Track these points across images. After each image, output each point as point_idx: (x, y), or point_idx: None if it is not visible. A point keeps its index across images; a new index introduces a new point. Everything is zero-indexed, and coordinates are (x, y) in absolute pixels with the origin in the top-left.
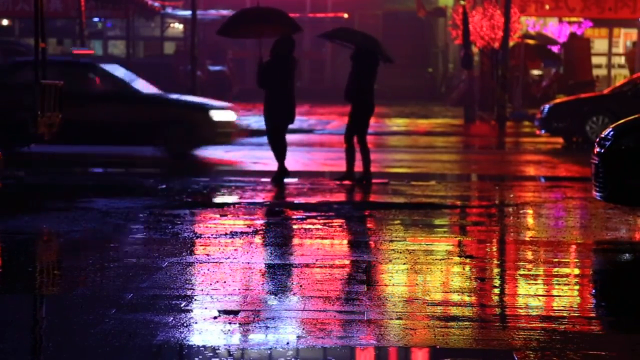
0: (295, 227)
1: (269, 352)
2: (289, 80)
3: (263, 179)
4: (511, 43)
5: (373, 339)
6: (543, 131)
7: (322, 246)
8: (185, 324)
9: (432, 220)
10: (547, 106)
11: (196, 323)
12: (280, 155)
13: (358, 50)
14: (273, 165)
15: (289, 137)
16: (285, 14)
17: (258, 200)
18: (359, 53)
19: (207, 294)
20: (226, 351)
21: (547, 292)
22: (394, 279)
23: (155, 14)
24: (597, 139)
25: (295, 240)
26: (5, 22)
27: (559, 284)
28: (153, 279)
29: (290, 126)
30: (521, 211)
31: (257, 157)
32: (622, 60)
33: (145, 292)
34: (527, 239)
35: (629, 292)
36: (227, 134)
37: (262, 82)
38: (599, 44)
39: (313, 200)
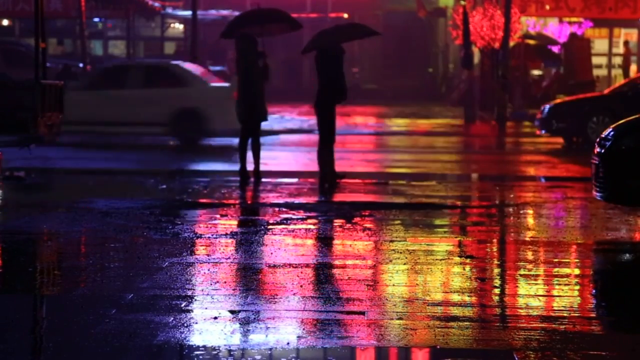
0: (295, 227)
1: (269, 352)
2: (253, 79)
3: (264, 179)
4: (511, 43)
5: (373, 339)
6: (543, 131)
7: (322, 246)
8: (185, 324)
9: (432, 221)
10: (547, 106)
11: (196, 323)
12: (250, 156)
13: (318, 52)
14: (272, 165)
15: (289, 137)
16: (285, 12)
17: (258, 200)
18: (321, 55)
19: (208, 294)
20: (227, 351)
21: (547, 292)
22: (394, 279)
23: (156, 14)
24: (598, 139)
25: (296, 240)
26: (5, 22)
27: (559, 284)
28: (153, 279)
29: (291, 126)
30: (521, 211)
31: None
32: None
33: (146, 292)
34: (527, 239)
35: (629, 292)
36: None
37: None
38: (599, 44)
39: (313, 200)
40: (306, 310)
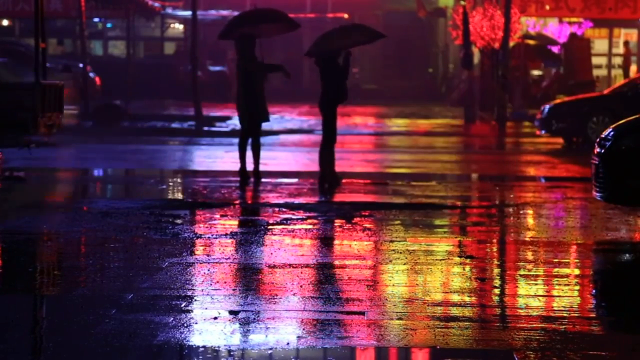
0: (295, 227)
1: (269, 352)
2: (254, 79)
3: (264, 179)
4: (511, 43)
5: (373, 339)
6: (543, 131)
7: (322, 246)
8: (185, 324)
9: (432, 221)
10: (547, 106)
11: (196, 323)
12: (248, 156)
13: (318, 58)
14: (272, 166)
15: (289, 137)
16: (283, 13)
17: (258, 200)
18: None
19: (208, 294)
20: (226, 351)
21: (547, 292)
22: (394, 279)
23: (156, 14)
24: (597, 140)
25: (295, 241)
26: (5, 22)
27: (559, 284)
28: (153, 279)
29: (291, 126)
30: (521, 211)
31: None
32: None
33: (146, 292)
34: (527, 239)
35: (629, 292)
36: None
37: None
38: (599, 44)
39: (313, 200)
40: (306, 310)
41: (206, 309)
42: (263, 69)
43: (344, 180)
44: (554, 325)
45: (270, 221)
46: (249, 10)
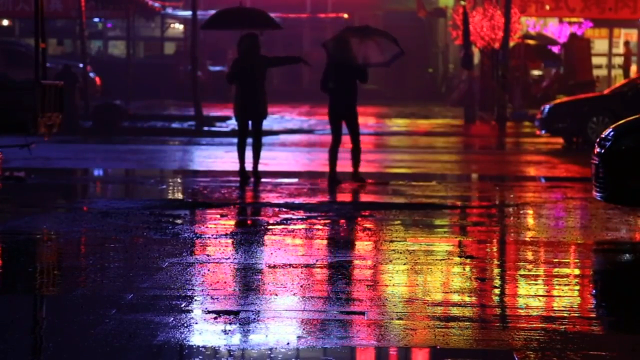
0: (295, 227)
1: (269, 352)
2: (255, 77)
3: (264, 179)
4: (511, 43)
5: (373, 339)
6: (543, 131)
7: (323, 246)
8: (185, 324)
9: (432, 221)
10: (547, 106)
11: (196, 323)
12: (248, 156)
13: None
14: (273, 166)
15: (289, 137)
16: (266, 15)
17: (258, 200)
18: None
19: (208, 294)
20: (227, 351)
21: (547, 292)
22: (394, 279)
23: (156, 14)
24: (597, 140)
25: (296, 240)
26: (5, 22)
27: (559, 284)
28: (153, 279)
29: (291, 126)
30: (521, 211)
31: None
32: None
33: (146, 292)
34: (527, 239)
35: (629, 292)
36: None
37: (229, 78)
38: (599, 44)
39: (313, 200)
40: (306, 310)
41: (206, 309)
42: (284, 62)
43: (343, 180)
44: (554, 325)
45: (270, 221)
46: (234, 7)
